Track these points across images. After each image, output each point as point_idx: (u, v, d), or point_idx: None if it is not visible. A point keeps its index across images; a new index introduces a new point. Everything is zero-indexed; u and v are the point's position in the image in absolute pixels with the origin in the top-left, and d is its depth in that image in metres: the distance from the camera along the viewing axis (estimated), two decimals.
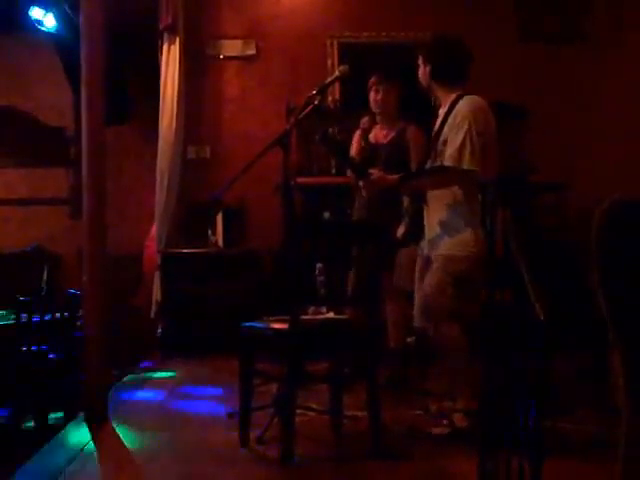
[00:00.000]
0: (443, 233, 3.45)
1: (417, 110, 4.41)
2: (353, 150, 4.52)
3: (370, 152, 4.45)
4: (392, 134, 4.49)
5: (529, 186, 5.42)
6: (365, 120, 4.57)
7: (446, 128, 3.42)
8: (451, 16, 6.18)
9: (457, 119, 3.38)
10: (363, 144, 4.51)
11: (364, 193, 3.94)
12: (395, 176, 3.63)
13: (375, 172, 3.71)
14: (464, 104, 3.40)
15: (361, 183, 3.77)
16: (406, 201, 3.93)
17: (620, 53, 6.29)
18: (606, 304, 1.63)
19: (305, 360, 3.28)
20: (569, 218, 5.61)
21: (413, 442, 3.30)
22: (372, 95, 4.47)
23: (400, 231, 3.91)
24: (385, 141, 4.50)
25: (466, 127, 3.33)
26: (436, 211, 3.50)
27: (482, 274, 3.32)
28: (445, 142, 3.40)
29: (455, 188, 3.41)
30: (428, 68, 3.51)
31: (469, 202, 3.39)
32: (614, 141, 6.17)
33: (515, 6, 6.38)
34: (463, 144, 3.32)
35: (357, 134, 4.59)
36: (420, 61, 3.56)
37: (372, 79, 4.48)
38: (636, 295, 1.61)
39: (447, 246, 3.41)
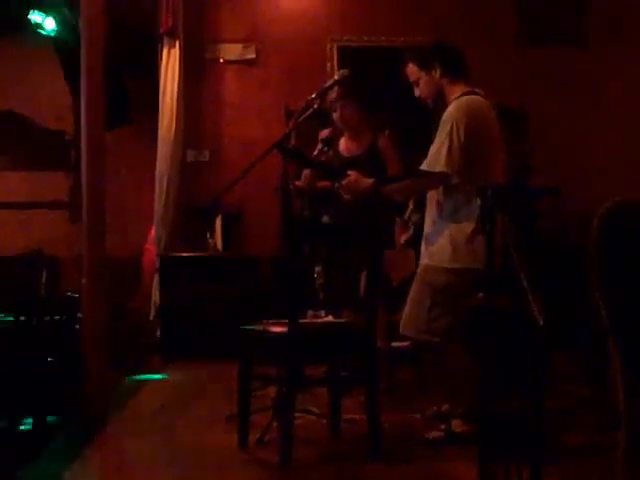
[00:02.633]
0: (427, 242, 3.38)
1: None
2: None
3: (339, 162, 4.33)
4: (363, 147, 4.37)
5: (528, 191, 5.42)
6: (325, 132, 4.42)
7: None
8: (450, 19, 6.18)
9: (443, 120, 3.27)
10: (328, 154, 4.41)
11: (344, 195, 3.86)
12: (370, 180, 3.52)
13: (352, 174, 3.58)
14: (452, 105, 3.29)
15: (337, 185, 3.71)
16: (409, 208, 3.92)
17: (620, 54, 6.28)
18: (605, 306, 1.64)
19: (304, 363, 3.28)
20: (568, 220, 5.60)
21: (412, 445, 3.30)
22: (336, 114, 4.36)
23: (404, 238, 3.89)
24: (358, 153, 4.37)
25: (448, 129, 3.20)
26: (427, 220, 3.43)
27: (464, 286, 3.17)
28: None
29: (440, 198, 3.29)
30: (439, 70, 3.36)
31: (454, 211, 3.26)
32: (614, 143, 6.17)
33: (514, 8, 6.39)
34: (441, 146, 3.20)
35: (318, 148, 4.54)
36: (421, 71, 3.41)
37: (333, 96, 4.31)
38: (634, 297, 1.61)
39: (427, 256, 3.36)
